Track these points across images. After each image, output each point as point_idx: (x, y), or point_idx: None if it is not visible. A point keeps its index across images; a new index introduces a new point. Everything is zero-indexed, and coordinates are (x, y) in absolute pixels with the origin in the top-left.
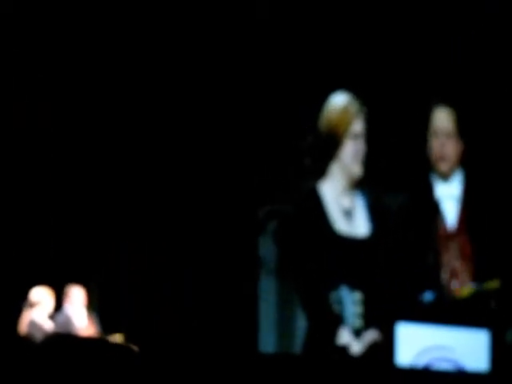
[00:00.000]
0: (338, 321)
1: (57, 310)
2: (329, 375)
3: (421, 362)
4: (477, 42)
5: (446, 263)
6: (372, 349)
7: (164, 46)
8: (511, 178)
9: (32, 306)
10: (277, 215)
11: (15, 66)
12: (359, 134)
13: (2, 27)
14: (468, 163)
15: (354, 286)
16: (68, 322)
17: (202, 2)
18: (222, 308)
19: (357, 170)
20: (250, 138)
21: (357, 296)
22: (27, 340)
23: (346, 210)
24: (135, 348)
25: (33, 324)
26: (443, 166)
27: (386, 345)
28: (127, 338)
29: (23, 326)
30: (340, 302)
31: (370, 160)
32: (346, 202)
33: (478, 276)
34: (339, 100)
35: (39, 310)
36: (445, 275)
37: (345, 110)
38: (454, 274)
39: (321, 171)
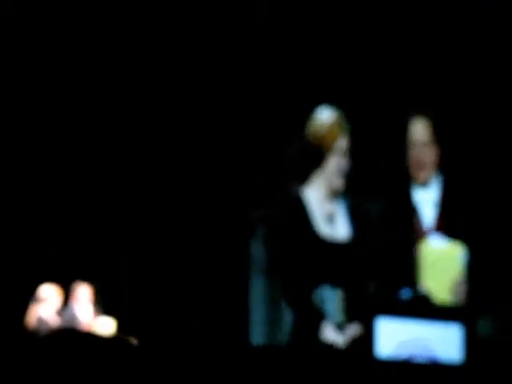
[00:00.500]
0: (321, 316)
1: (64, 306)
2: (313, 366)
3: (399, 354)
4: (448, 56)
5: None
6: (354, 342)
7: (163, 46)
8: (485, 182)
9: (39, 302)
10: (266, 220)
11: (15, 66)
12: (343, 150)
13: (2, 27)
14: (445, 169)
15: (335, 285)
16: (74, 318)
17: (202, 2)
18: (217, 304)
19: (338, 183)
20: (246, 144)
21: (338, 294)
22: (34, 334)
23: (329, 215)
24: (134, 341)
25: (40, 319)
26: (421, 175)
27: (367, 338)
28: (126, 334)
29: (31, 321)
30: (323, 300)
31: (352, 169)
32: (328, 207)
33: None
34: (327, 116)
35: (46, 306)
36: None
37: (332, 127)
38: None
39: (304, 177)
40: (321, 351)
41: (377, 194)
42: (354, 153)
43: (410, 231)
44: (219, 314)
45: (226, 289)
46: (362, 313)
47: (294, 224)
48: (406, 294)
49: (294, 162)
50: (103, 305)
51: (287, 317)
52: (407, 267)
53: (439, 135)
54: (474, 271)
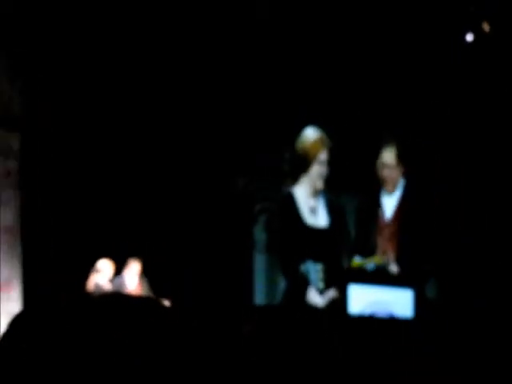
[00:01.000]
0: (306, 283)
1: (115, 276)
2: (300, 321)
3: (366, 312)
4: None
5: (380, 244)
6: (331, 303)
7: (163, 46)
8: (433, 188)
9: (97, 272)
10: (266, 211)
11: (15, 65)
12: (324, 161)
13: (1, 27)
14: (407, 177)
15: (317, 260)
16: (122, 285)
17: (203, 2)
18: (229, 276)
19: (319, 184)
20: (251, 139)
21: (319, 266)
22: (91, 295)
23: (312, 208)
24: (166, 302)
25: (96, 285)
26: (388, 187)
27: (342, 300)
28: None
29: (89, 286)
30: (308, 271)
31: (334, 174)
32: (312, 202)
33: (399, 253)
34: (313, 134)
35: (102, 275)
36: (379, 252)
37: (315, 143)
38: (384, 251)
39: (294, 179)
40: (306, 309)
41: (350, 192)
42: (336, 161)
43: (374, 220)
44: (231, 284)
45: (236, 264)
46: (338, 281)
47: (286, 215)
48: (370, 266)
49: (287, 168)
50: (148, 278)
51: (282, 284)
52: (371, 246)
53: (403, 160)
54: (422, 247)
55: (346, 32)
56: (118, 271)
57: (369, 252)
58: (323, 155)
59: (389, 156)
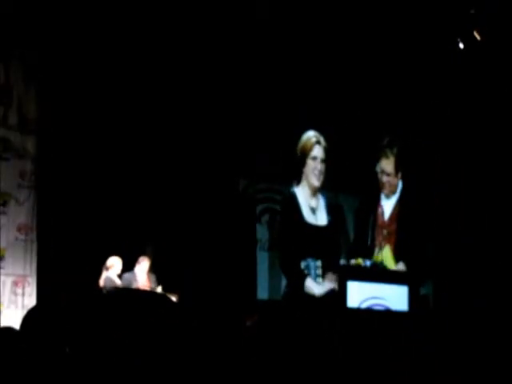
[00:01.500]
0: (306, 278)
1: (123, 271)
2: (301, 312)
3: (363, 306)
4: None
5: (378, 242)
6: (331, 298)
7: (162, 46)
8: (432, 188)
9: (108, 268)
10: (268, 211)
11: (31, 69)
12: (315, 156)
13: (17, 32)
14: (404, 180)
15: (316, 257)
16: (131, 280)
17: (203, 2)
18: (234, 272)
19: (314, 182)
20: (258, 139)
21: (318, 263)
22: (103, 289)
23: (312, 208)
24: (173, 297)
25: (107, 280)
26: (387, 192)
27: (340, 295)
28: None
29: (101, 281)
30: (308, 267)
31: (335, 176)
32: (312, 202)
33: (396, 252)
34: (307, 134)
35: (112, 271)
36: (377, 250)
37: (308, 141)
38: (381, 250)
39: (297, 180)
40: (306, 303)
41: (349, 193)
42: (336, 162)
43: (373, 220)
44: (234, 279)
45: (241, 261)
46: (336, 277)
47: (288, 214)
48: (367, 263)
49: (290, 168)
50: (157, 274)
51: (283, 280)
52: (369, 245)
53: (400, 167)
54: (419, 247)
55: (346, 38)
56: (128, 268)
57: (367, 250)
58: (315, 151)
59: (388, 165)
